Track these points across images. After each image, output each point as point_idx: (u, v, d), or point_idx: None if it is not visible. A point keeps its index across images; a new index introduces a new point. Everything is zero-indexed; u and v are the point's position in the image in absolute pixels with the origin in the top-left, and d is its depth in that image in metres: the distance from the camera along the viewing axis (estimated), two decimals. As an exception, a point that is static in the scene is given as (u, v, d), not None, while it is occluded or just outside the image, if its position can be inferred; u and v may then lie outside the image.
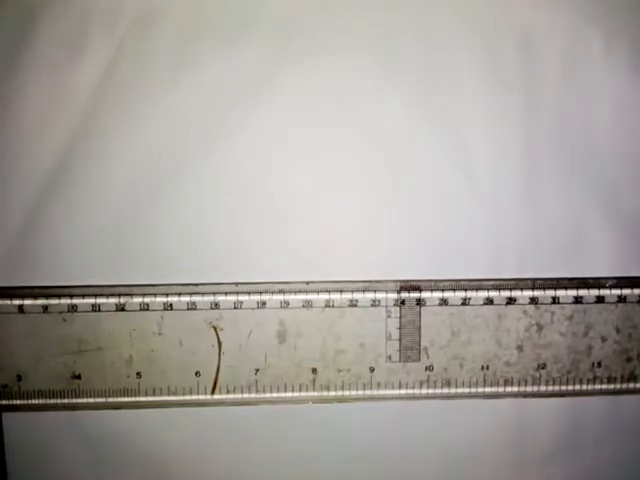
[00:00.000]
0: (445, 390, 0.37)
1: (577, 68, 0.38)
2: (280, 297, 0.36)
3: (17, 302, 0.35)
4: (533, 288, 0.36)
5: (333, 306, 0.36)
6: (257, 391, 0.36)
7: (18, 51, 0.36)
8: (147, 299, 0.35)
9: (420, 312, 0.36)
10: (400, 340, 0.36)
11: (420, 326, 0.36)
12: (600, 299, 0.36)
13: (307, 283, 0.36)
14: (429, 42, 0.37)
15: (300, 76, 0.37)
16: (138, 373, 0.36)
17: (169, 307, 0.35)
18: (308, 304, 0.36)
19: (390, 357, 0.36)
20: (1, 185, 0.37)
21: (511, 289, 0.36)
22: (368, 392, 0.36)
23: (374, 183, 0.37)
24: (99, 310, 0.35)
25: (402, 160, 0.37)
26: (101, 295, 0.35)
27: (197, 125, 0.37)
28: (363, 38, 0.37)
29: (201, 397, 0.36)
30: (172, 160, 0.37)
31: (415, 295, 0.36)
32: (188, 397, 0.36)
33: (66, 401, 0.36)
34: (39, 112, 0.36)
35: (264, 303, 0.36)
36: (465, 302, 0.36)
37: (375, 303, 0.36)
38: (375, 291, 0.36)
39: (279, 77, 0.37)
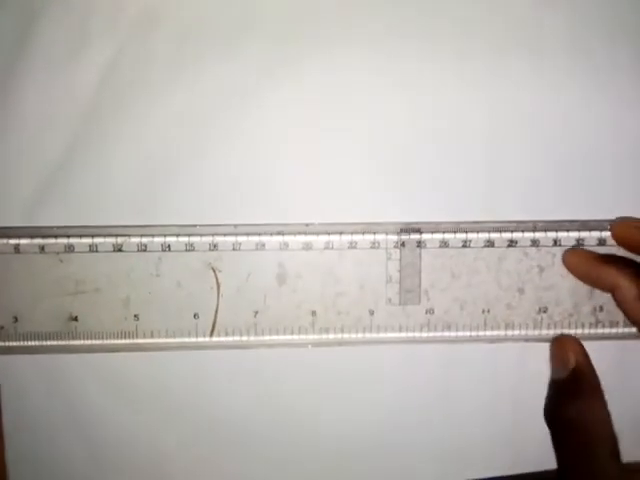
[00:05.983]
0: (446, 333, 0.36)
1: (577, 68, 0.38)
2: (279, 239, 0.35)
3: (13, 242, 0.35)
4: (534, 230, 0.36)
5: (332, 248, 0.36)
6: (256, 334, 0.36)
7: (18, 51, 0.36)
8: (145, 240, 0.35)
9: (420, 254, 0.36)
10: (400, 282, 0.36)
11: (420, 268, 0.36)
12: (602, 241, 0.36)
13: (306, 225, 0.36)
14: (429, 42, 0.37)
15: (300, 76, 0.37)
16: (135, 315, 0.35)
17: (167, 248, 0.35)
18: (307, 246, 0.36)
19: (390, 300, 0.36)
20: (2, 185, 0.37)
21: (512, 231, 0.36)
22: (368, 335, 0.36)
23: (374, 124, 0.37)
24: (96, 251, 0.35)
25: (401, 103, 0.37)
26: (98, 235, 0.35)
27: (197, 125, 0.37)
28: (363, 37, 0.37)
29: (200, 339, 0.35)
30: (172, 160, 0.37)
31: (415, 237, 0.36)
32: (186, 339, 0.35)
33: (63, 343, 0.35)
34: (39, 112, 0.36)
35: (263, 245, 0.35)
36: (466, 244, 0.36)
37: (375, 245, 0.36)
38: (375, 233, 0.36)
39: (279, 77, 0.37)
